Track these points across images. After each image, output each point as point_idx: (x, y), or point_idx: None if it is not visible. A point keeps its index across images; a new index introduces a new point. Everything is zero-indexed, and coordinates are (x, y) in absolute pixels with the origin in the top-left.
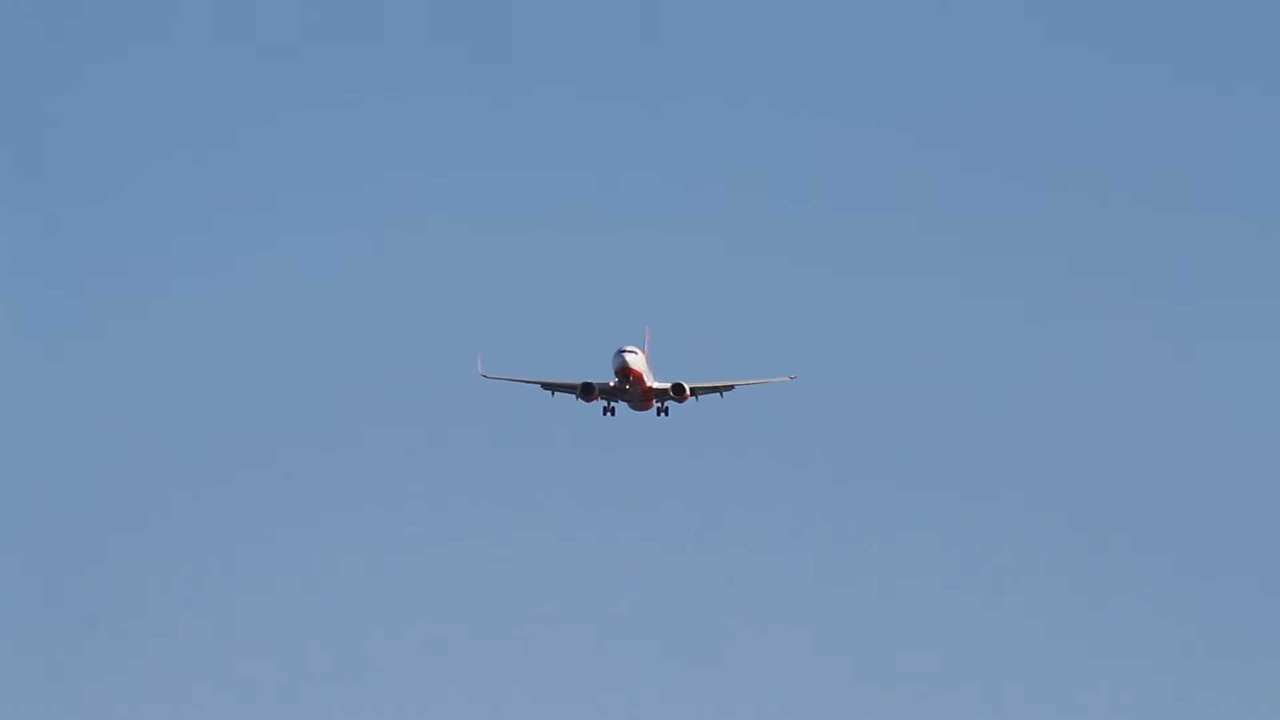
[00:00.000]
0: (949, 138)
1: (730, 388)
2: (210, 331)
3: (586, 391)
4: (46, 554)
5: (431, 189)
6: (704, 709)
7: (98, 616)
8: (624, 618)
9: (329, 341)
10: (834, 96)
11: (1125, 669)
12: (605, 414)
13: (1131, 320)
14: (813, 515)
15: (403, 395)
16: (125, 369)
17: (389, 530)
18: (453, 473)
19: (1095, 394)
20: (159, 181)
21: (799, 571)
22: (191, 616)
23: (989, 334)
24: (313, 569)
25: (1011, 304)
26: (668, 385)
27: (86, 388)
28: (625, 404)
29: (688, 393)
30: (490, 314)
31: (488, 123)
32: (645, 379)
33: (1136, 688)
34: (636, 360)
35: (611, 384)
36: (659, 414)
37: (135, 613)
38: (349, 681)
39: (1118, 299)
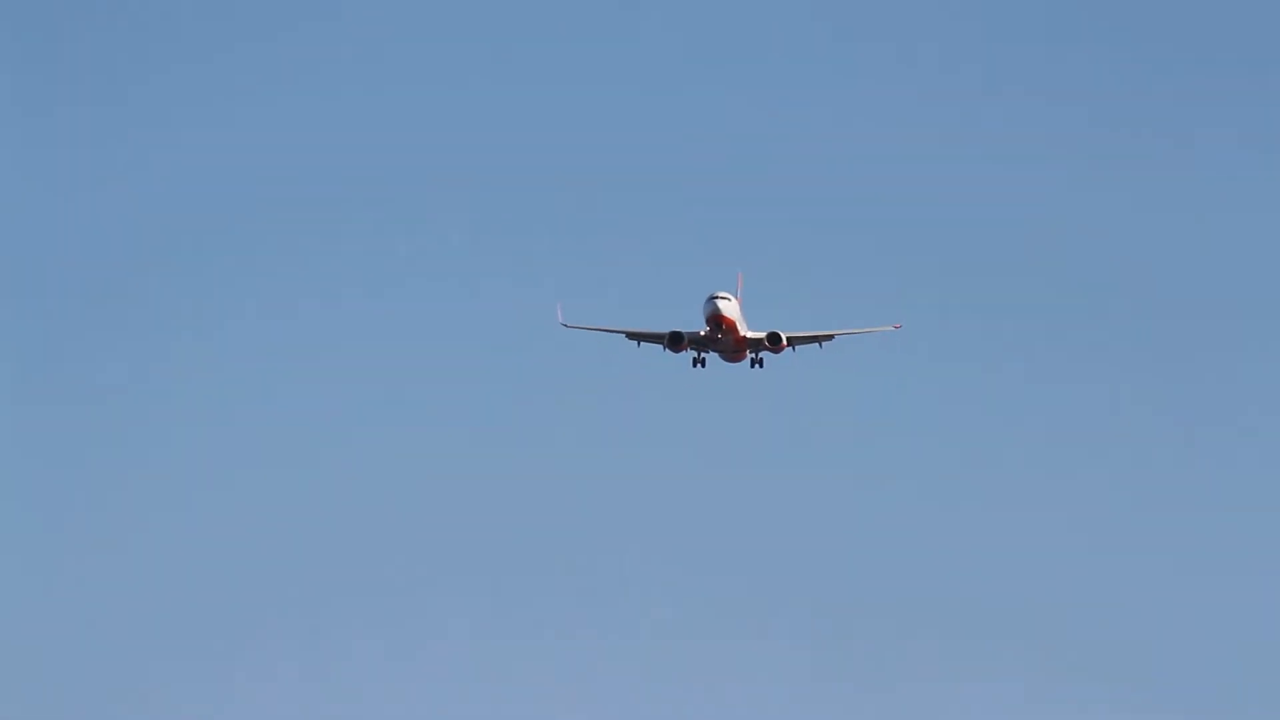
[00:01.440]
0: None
1: (830, 337)
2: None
3: (675, 341)
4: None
5: (511, 133)
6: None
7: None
8: (714, 582)
9: (400, 289)
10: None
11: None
12: (695, 365)
13: None
14: (918, 473)
15: (478, 346)
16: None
17: (461, 493)
18: (533, 428)
19: None
20: None
21: (902, 532)
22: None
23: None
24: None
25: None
26: (763, 334)
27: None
28: (717, 355)
29: (784, 342)
30: (572, 260)
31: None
32: (739, 328)
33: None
34: (729, 307)
35: (702, 333)
36: (753, 365)
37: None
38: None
39: None
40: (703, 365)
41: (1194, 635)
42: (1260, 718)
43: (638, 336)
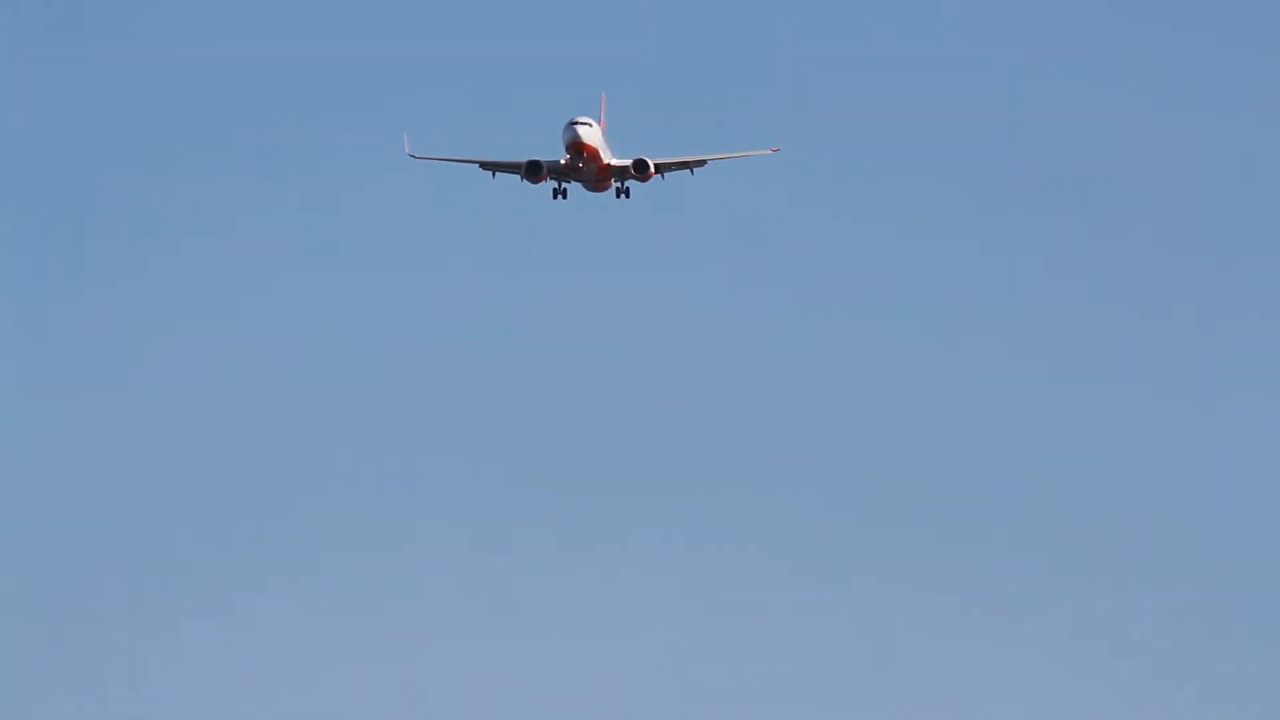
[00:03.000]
0: None
1: (702, 163)
2: None
3: (533, 171)
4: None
5: None
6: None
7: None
8: (584, 460)
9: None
10: None
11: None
12: (556, 197)
13: None
14: (797, 308)
15: (315, 180)
16: None
17: (302, 348)
18: (380, 269)
19: None
20: None
21: (782, 376)
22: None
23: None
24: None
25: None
26: (628, 161)
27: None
28: (579, 185)
29: (652, 170)
30: (417, 84)
31: None
32: (601, 155)
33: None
34: (591, 133)
35: (562, 161)
36: (619, 195)
37: None
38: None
39: None
40: (564, 196)
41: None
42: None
43: (492, 167)
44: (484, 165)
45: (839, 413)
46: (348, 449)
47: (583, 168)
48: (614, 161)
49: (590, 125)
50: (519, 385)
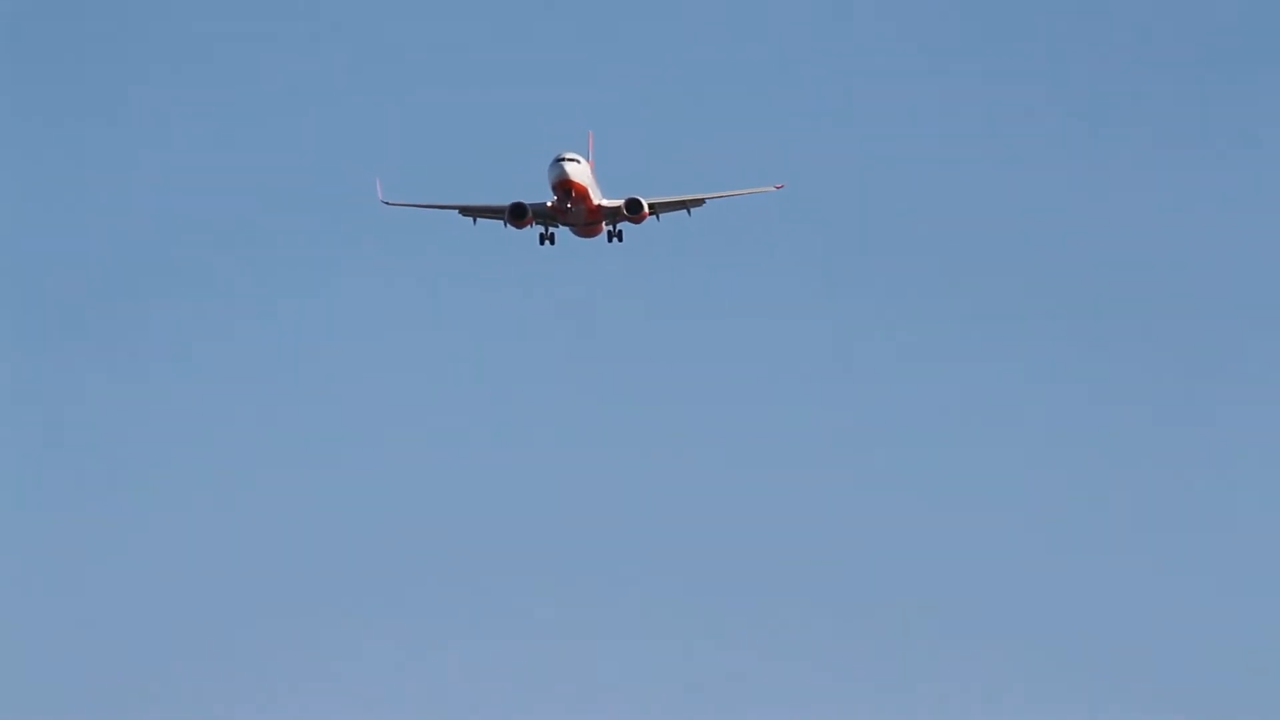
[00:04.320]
0: None
1: (700, 202)
2: None
3: (518, 214)
4: None
5: None
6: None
7: None
8: (573, 499)
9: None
10: None
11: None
12: (543, 243)
13: None
14: (809, 360)
15: (285, 227)
16: None
17: (283, 406)
18: (357, 324)
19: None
20: None
21: (784, 425)
22: None
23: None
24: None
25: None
26: (620, 202)
27: None
28: (568, 229)
29: (646, 210)
30: (389, 126)
31: None
32: (591, 195)
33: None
34: (579, 171)
35: (549, 203)
36: (611, 239)
37: None
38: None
39: None
40: (551, 242)
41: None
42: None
43: (473, 212)
44: (464, 210)
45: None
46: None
47: (571, 209)
48: (604, 202)
49: (578, 162)
50: (506, 453)
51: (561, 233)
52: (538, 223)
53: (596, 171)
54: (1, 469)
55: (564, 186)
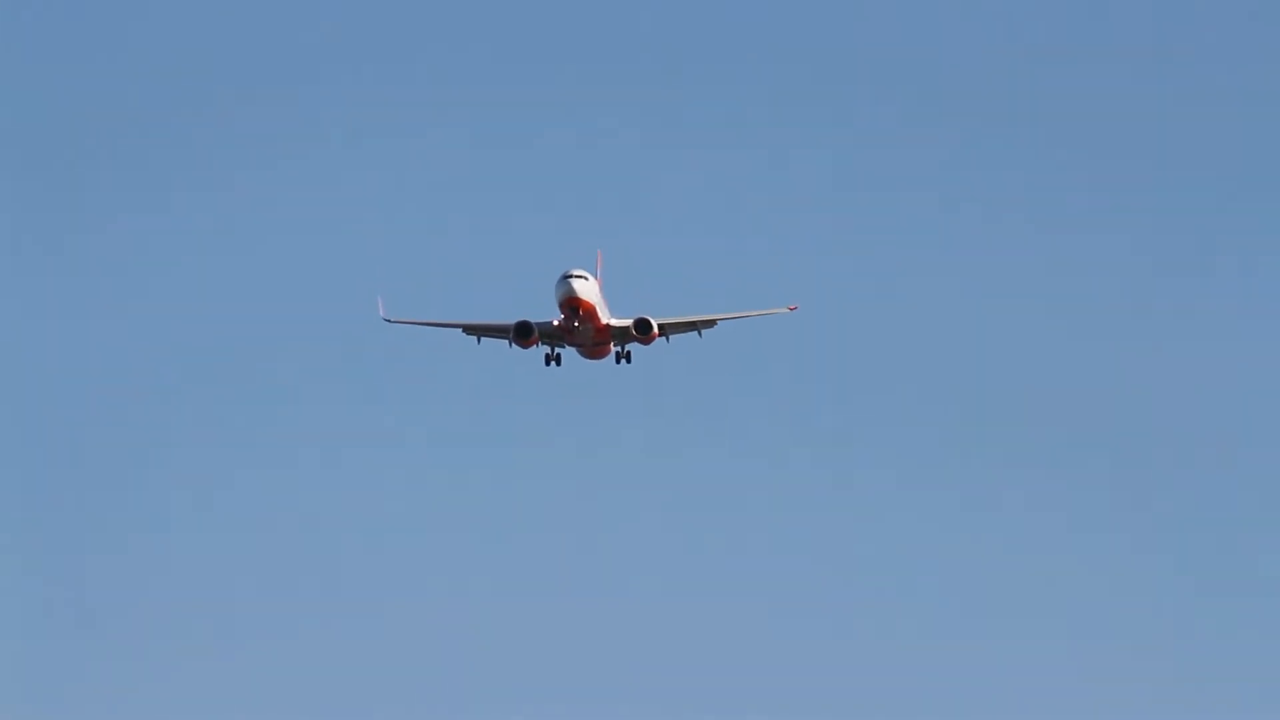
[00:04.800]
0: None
1: (711, 323)
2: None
3: (523, 333)
4: None
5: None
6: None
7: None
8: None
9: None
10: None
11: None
12: (549, 364)
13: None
14: (824, 491)
15: (289, 348)
16: None
17: (276, 527)
18: (356, 448)
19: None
20: None
21: (808, 568)
22: None
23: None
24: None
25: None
26: (629, 321)
27: None
28: (575, 349)
29: (656, 330)
30: (395, 246)
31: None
32: (599, 313)
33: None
34: (587, 288)
35: (556, 322)
36: (619, 360)
37: None
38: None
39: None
40: (558, 363)
41: None
42: None
43: (477, 330)
44: (467, 329)
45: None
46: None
47: (578, 328)
48: (613, 321)
49: (586, 279)
50: (507, 581)
51: (568, 353)
52: (544, 342)
53: (605, 291)
54: None
55: (571, 304)
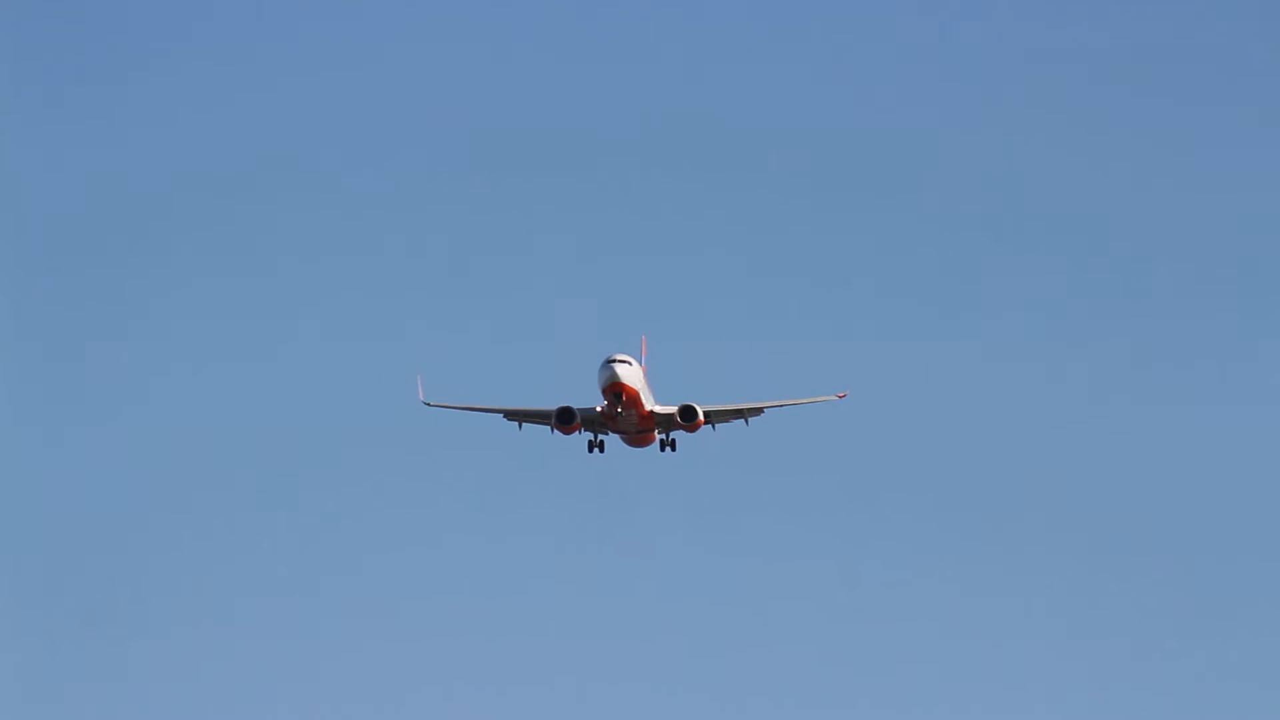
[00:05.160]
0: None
1: (759, 411)
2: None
3: (565, 419)
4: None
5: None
6: None
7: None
8: None
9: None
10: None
11: None
12: (592, 451)
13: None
14: (875, 580)
15: (325, 429)
16: None
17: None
18: (391, 534)
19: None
20: None
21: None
22: None
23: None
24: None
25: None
26: (674, 409)
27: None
28: (618, 436)
29: (701, 418)
30: (435, 327)
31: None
32: (643, 400)
33: None
34: (631, 374)
35: (599, 409)
36: (664, 449)
37: None
38: None
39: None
40: (600, 450)
41: None
42: None
43: (519, 416)
44: (509, 415)
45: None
46: None
47: (622, 414)
48: (657, 409)
49: (630, 364)
50: (552, 674)
51: (611, 441)
52: (586, 429)
53: (650, 378)
54: None
55: (615, 390)
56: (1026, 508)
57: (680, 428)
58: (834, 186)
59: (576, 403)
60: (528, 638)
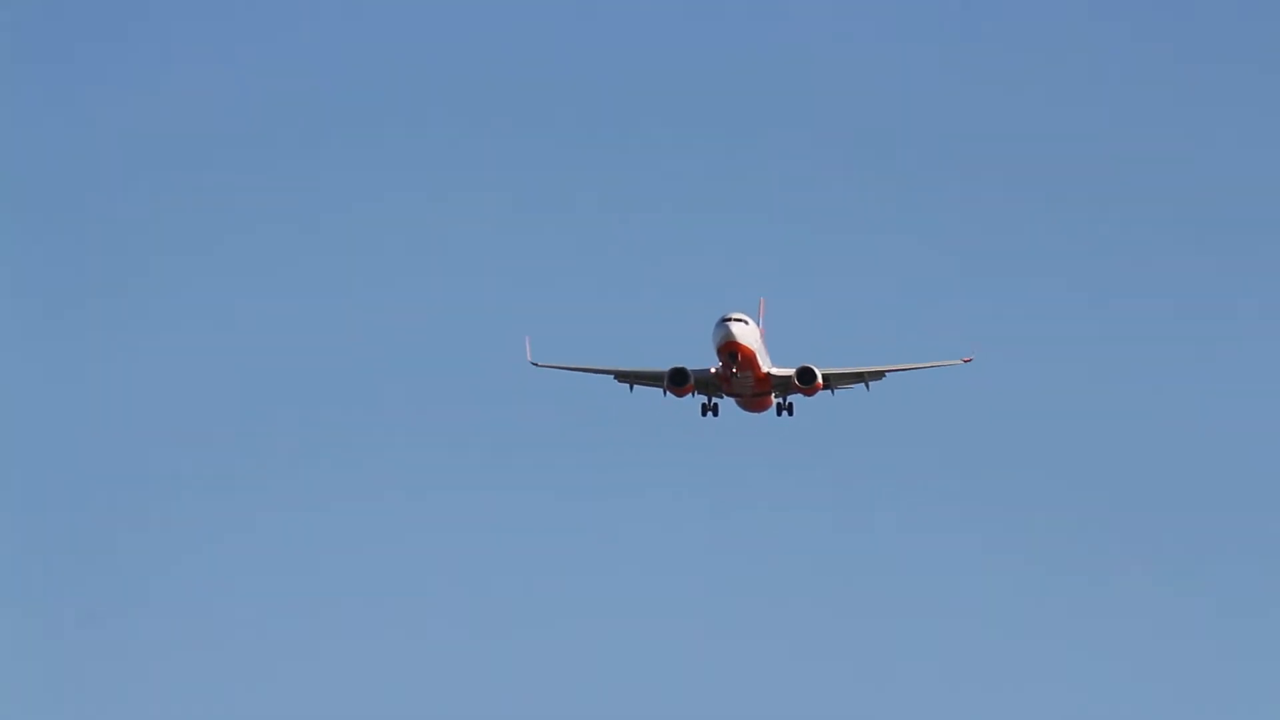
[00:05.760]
0: None
1: (880, 375)
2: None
3: (678, 380)
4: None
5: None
6: None
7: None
8: None
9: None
10: None
11: None
12: (705, 414)
13: None
14: (1004, 555)
15: (430, 391)
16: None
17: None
18: (499, 500)
19: None
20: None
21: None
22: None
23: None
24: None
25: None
26: (791, 371)
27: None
28: (733, 400)
29: (820, 381)
30: (540, 280)
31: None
32: (760, 361)
33: None
34: (747, 333)
35: (713, 370)
36: (780, 413)
37: None
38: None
39: None
40: (714, 414)
41: None
42: None
43: (629, 377)
44: (619, 376)
45: None
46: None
47: (737, 376)
48: (774, 371)
49: (747, 323)
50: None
51: (726, 404)
52: (700, 392)
53: (768, 340)
54: None
55: (730, 350)
56: (1156, 490)
57: (798, 391)
58: (965, 161)
59: (690, 364)
60: (639, 610)
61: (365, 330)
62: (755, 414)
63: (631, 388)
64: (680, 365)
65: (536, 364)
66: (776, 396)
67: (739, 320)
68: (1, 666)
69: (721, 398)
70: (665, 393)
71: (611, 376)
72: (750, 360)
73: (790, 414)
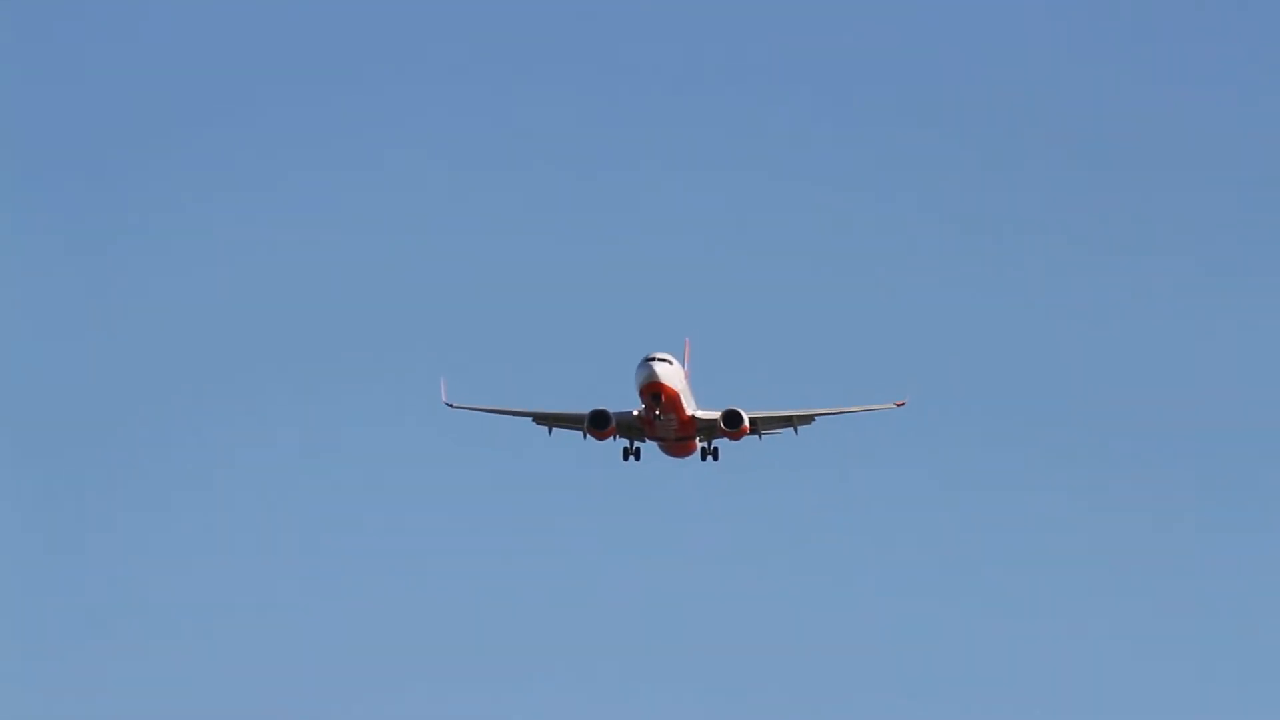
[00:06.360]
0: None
1: (809, 419)
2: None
3: (599, 423)
4: None
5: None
6: None
7: None
8: None
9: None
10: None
11: None
12: (627, 459)
13: None
14: (933, 606)
15: (341, 433)
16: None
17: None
18: (405, 545)
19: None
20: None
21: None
22: None
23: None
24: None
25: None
26: (717, 414)
27: None
28: (655, 443)
29: (746, 425)
30: (456, 322)
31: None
32: (684, 403)
33: None
34: (671, 373)
35: (635, 412)
36: (705, 457)
37: None
38: None
39: None
40: (636, 458)
41: None
42: None
43: (549, 420)
44: (538, 418)
45: None
46: None
47: (660, 419)
48: (699, 414)
49: (670, 363)
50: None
51: (649, 448)
52: (622, 435)
53: (693, 382)
54: None
55: (653, 390)
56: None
57: (724, 435)
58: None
59: (612, 406)
60: (554, 651)
61: (270, 377)
62: (679, 458)
63: (550, 430)
64: (601, 407)
65: (451, 405)
66: (701, 440)
67: (663, 360)
68: None
69: (644, 441)
70: (585, 436)
71: (530, 418)
72: (674, 402)
73: (715, 458)
